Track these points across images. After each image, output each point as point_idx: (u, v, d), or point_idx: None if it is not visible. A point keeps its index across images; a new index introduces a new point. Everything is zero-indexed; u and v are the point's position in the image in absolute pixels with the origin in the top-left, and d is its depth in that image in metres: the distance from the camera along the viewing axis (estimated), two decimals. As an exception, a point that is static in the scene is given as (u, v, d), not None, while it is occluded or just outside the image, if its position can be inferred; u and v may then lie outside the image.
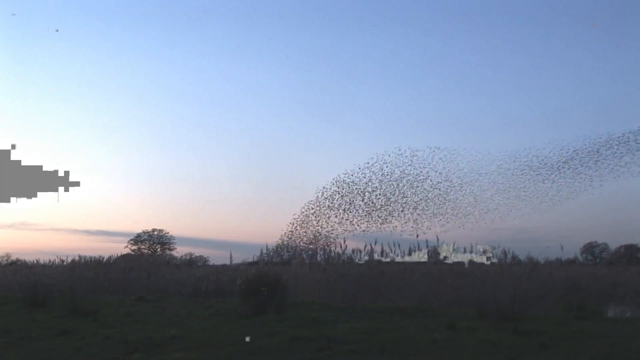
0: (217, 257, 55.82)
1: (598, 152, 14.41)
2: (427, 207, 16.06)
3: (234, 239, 54.02)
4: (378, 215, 16.13)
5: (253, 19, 54.72)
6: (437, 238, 16.37)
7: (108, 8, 51.42)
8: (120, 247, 57.32)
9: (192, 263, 33.15)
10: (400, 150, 16.38)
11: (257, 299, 10.94)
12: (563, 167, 15.05)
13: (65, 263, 21.64)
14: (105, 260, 21.21)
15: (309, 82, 63.24)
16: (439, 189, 16.19)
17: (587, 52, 55.21)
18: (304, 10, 54.82)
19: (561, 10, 53.38)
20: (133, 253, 42.58)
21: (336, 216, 16.51)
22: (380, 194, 16.33)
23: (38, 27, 48.08)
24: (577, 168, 14.97)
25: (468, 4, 53.07)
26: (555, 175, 15.04)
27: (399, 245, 16.61)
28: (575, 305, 11.75)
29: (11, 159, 11.44)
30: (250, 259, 18.59)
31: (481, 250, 16.89)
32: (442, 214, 16.08)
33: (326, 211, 16.60)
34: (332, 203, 16.46)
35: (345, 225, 16.42)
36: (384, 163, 16.45)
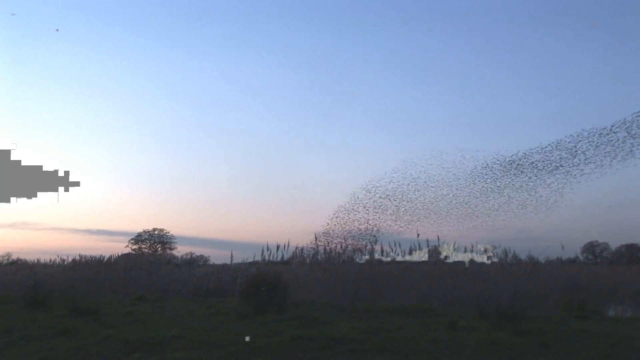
0: (217, 257, 55.94)
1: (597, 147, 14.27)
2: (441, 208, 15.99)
3: (235, 239, 54.02)
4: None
5: (253, 19, 54.71)
6: (438, 237, 16.35)
7: (108, 8, 51.39)
8: (121, 247, 57.41)
9: (193, 262, 33.12)
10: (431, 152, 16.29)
11: (257, 298, 10.94)
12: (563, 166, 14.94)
13: (65, 262, 21.73)
14: (105, 259, 21.27)
15: (309, 82, 63.25)
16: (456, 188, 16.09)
17: (587, 52, 55.20)
18: (304, 10, 54.80)
19: (561, 10, 53.34)
20: (134, 252, 42.61)
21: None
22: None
23: (38, 27, 48.04)
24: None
25: (468, 4, 53.02)
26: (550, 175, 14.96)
27: (399, 245, 16.62)
28: (575, 304, 11.76)
29: (11, 159, 11.42)
30: (250, 259, 18.57)
31: (482, 249, 16.87)
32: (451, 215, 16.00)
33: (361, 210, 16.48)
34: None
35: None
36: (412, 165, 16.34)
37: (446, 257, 17.32)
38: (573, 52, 55.91)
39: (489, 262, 16.84)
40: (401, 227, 16.30)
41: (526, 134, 50.94)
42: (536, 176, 14.76)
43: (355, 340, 7.26)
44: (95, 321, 9.58)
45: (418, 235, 16.13)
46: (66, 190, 11.96)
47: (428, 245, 16.67)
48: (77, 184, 12.19)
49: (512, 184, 15.18)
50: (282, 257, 17.31)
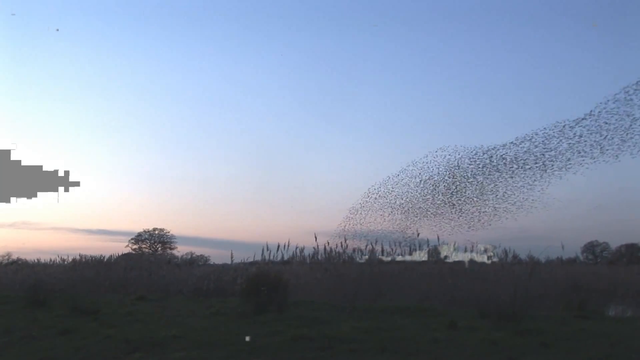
0: (217, 257, 55.81)
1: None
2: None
3: (235, 239, 54.06)
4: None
5: (253, 19, 54.85)
6: (438, 237, 16.33)
7: (108, 8, 51.51)
8: (121, 247, 57.33)
9: (193, 262, 33.08)
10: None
11: (257, 298, 10.94)
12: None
13: (66, 262, 21.76)
14: (106, 259, 21.29)
15: (309, 82, 63.43)
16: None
17: (587, 52, 55.23)
18: (304, 10, 54.90)
19: (561, 10, 53.43)
20: (134, 252, 42.56)
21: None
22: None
23: (38, 27, 48.14)
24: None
25: (468, 4, 53.10)
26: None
27: (399, 245, 16.61)
28: (576, 304, 11.74)
29: (11, 159, 11.44)
30: (250, 259, 18.56)
31: (482, 249, 16.88)
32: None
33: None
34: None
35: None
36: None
37: (446, 256, 17.34)
38: (573, 52, 55.99)
39: (489, 262, 16.86)
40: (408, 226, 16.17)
41: (526, 133, 50.81)
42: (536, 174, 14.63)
43: (356, 340, 7.27)
44: (95, 321, 9.58)
45: (418, 235, 16.12)
46: (66, 190, 12.00)
47: (428, 245, 16.69)
48: (77, 184, 12.22)
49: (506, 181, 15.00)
50: (282, 257, 17.33)
